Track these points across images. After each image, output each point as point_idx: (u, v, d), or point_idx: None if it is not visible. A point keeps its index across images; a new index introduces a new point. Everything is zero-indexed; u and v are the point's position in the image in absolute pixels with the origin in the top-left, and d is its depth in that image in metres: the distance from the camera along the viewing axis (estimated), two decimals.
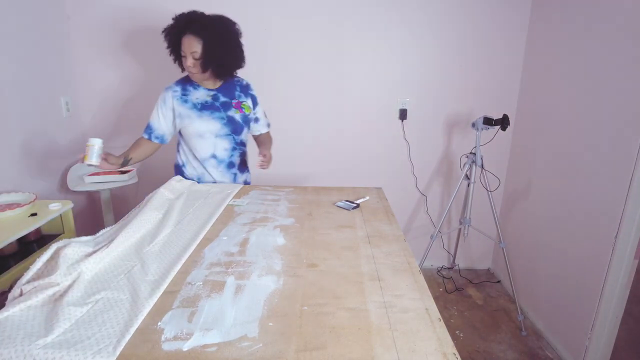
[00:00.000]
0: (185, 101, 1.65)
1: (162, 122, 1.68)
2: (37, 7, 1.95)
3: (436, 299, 2.35)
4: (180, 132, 1.72)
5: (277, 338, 0.75)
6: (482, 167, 2.11)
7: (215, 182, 1.75)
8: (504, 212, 2.53)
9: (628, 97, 1.51)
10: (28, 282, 0.89)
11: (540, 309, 2.10)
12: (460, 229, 2.49)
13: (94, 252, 1.02)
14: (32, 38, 1.91)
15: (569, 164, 1.86)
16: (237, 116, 1.69)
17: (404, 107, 2.36)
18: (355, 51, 2.28)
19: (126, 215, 1.32)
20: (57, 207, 1.62)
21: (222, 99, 1.68)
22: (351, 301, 0.87)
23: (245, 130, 1.75)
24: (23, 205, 1.56)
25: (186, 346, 0.72)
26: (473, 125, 2.09)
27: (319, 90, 2.34)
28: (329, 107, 2.37)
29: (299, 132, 2.41)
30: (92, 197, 2.44)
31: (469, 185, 2.20)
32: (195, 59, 1.53)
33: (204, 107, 1.65)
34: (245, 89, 1.74)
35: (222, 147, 1.71)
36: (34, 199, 1.63)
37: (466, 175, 2.17)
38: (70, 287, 0.88)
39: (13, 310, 0.80)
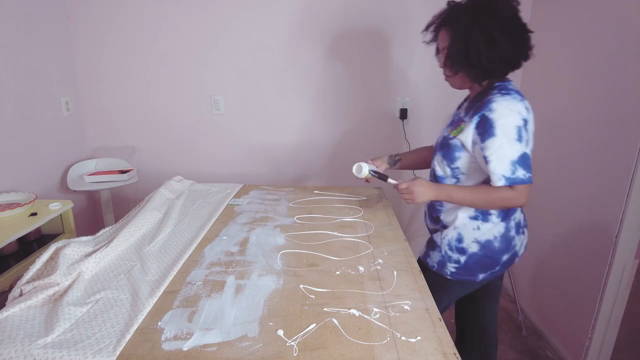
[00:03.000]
0: (458, 109, 1.28)
1: None
2: (37, 7, 1.95)
3: None
4: None
5: (277, 338, 0.75)
6: None
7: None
8: None
9: (628, 97, 1.51)
10: (28, 282, 0.89)
11: (541, 309, 2.10)
12: None
13: (94, 251, 1.02)
14: (32, 38, 1.91)
15: (569, 163, 1.85)
16: (443, 137, 1.19)
17: (404, 107, 2.36)
18: (356, 50, 2.28)
19: (126, 215, 1.32)
20: (58, 207, 1.62)
21: (462, 114, 1.20)
22: (351, 301, 0.87)
23: (439, 158, 1.20)
24: (23, 205, 1.56)
25: (186, 346, 0.72)
26: None
27: (319, 90, 2.34)
28: (329, 107, 2.37)
29: (298, 132, 2.41)
30: (92, 197, 2.44)
31: None
32: (445, 57, 1.16)
33: (452, 119, 1.25)
34: (481, 106, 1.08)
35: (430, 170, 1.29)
36: (34, 199, 1.63)
37: None
38: (70, 287, 0.88)
39: (13, 310, 0.80)
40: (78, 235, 1.28)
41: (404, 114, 2.37)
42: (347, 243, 1.16)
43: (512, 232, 1.21)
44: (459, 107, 1.28)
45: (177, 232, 1.20)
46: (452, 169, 1.15)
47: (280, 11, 2.20)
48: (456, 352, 0.72)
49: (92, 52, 2.25)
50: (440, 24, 1.18)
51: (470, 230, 1.16)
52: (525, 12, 2.20)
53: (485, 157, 1.05)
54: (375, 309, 0.84)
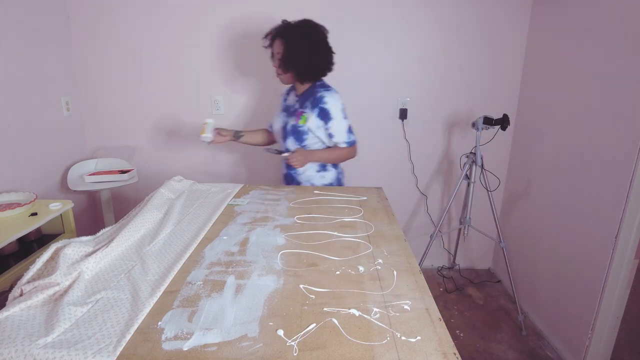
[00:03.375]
0: (285, 100, 1.83)
1: (275, 116, 1.84)
2: (37, 7, 1.95)
3: (436, 298, 2.35)
4: None
5: (277, 338, 0.75)
6: (482, 167, 2.11)
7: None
8: (504, 212, 2.52)
9: (628, 96, 1.51)
10: (28, 282, 0.89)
11: (541, 309, 2.10)
12: (460, 229, 2.48)
13: (94, 251, 1.02)
14: (32, 38, 1.91)
15: (569, 163, 1.86)
16: (290, 124, 1.70)
17: (404, 107, 2.36)
18: (356, 50, 2.28)
19: (126, 215, 1.32)
20: (58, 207, 1.62)
21: (297, 105, 1.72)
22: (351, 301, 0.87)
23: (292, 140, 1.71)
24: (23, 205, 1.56)
25: (186, 346, 0.72)
26: (473, 125, 2.09)
27: None
28: None
29: None
30: (92, 197, 2.44)
31: (469, 185, 2.20)
32: (279, 60, 1.65)
33: (286, 108, 1.78)
34: (317, 101, 1.65)
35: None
36: (34, 199, 1.63)
37: (466, 175, 2.17)
38: (70, 286, 0.88)
39: (13, 310, 0.80)
40: (78, 235, 1.28)
41: (403, 114, 2.38)
42: (347, 243, 1.16)
43: (342, 176, 1.84)
44: (285, 100, 1.82)
45: (177, 232, 1.21)
46: (302, 145, 1.71)
47: (281, 11, 2.20)
48: (456, 352, 0.72)
49: (92, 52, 2.25)
50: (276, 35, 1.65)
51: (318, 178, 1.77)
52: (525, 13, 2.21)
53: (330, 134, 1.67)
54: (375, 309, 0.84)
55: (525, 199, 2.26)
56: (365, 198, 1.55)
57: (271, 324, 0.79)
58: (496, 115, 2.08)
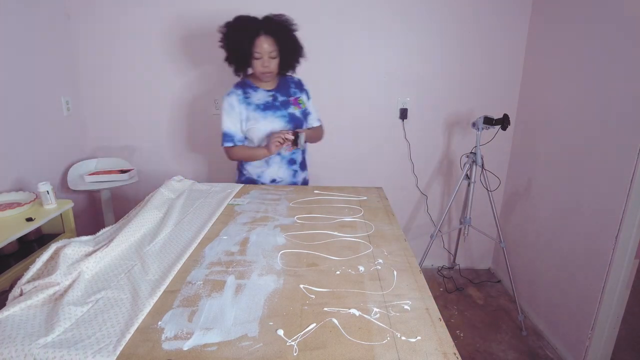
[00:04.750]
0: (249, 103, 1.70)
1: (237, 126, 1.72)
2: (37, 7, 1.95)
3: (436, 298, 2.35)
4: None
5: (277, 337, 0.75)
6: (483, 166, 2.11)
7: (274, 181, 1.79)
8: (504, 212, 2.52)
9: (628, 96, 1.51)
10: (28, 281, 0.89)
11: (541, 309, 2.10)
12: (460, 229, 2.48)
13: (94, 251, 1.02)
14: (33, 38, 1.91)
15: (570, 163, 1.86)
16: (297, 112, 1.75)
17: (404, 107, 2.36)
18: (356, 51, 2.28)
19: (126, 215, 1.32)
20: (56, 207, 1.62)
21: (281, 97, 1.74)
22: (351, 301, 0.87)
23: (305, 125, 1.80)
24: (23, 205, 1.56)
25: (186, 345, 0.72)
26: (473, 124, 2.09)
27: (319, 90, 2.34)
28: (329, 107, 2.37)
29: None
30: (92, 197, 2.44)
31: (469, 185, 2.20)
32: (272, 58, 1.62)
33: (266, 107, 1.71)
34: (299, 85, 1.81)
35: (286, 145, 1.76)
36: (34, 199, 1.63)
37: (466, 175, 2.17)
38: (70, 286, 0.88)
39: (13, 309, 0.80)
40: (78, 235, 1.28)
41: (404, 114, 2.38)
42: (347, 243, 1.16)
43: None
44: (249, 103, 1.69)
45: (177, 232, 1.21)
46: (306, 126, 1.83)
47: (280, 10, 2.19)
48: (456, 352, 0.72)
49: (93, 52, 2.25)
50: (260, 31, 1.59)
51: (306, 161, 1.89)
52: (525, 13, 2.21)
53: (308, 112, 1.80)
54: (375, 309, 0.84)
55: (525, 199, 2.26)
56: (365, 198, 1.55)
57: (271, 323, 0.79)
58: (496, 115, 2.07)
